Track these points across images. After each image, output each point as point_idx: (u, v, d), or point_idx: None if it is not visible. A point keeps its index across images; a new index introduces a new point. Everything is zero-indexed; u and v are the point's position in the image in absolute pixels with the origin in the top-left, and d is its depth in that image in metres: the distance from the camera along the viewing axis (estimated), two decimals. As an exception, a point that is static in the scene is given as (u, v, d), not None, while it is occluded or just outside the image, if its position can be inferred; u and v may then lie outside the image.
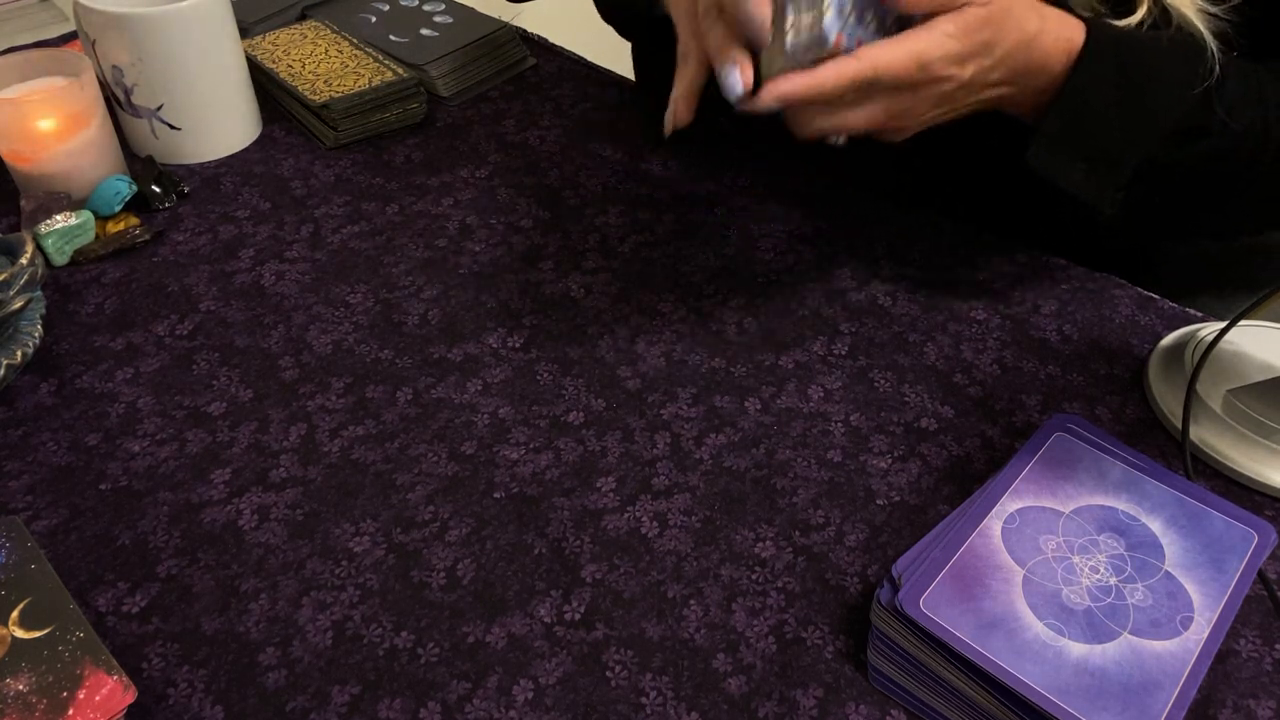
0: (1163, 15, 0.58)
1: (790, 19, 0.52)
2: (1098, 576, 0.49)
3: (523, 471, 0.59)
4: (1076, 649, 0.46)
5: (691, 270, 0.73)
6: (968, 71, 0.55)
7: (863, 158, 0.68)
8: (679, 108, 0.58)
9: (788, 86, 0.52)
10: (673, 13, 0.59)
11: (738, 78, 0.53)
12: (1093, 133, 0.58)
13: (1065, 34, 0.56)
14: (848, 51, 0.53)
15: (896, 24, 0.55)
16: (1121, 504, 0.52)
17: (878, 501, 0.58)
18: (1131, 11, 0.58)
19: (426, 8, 0.99)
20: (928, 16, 0.53)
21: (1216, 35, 0.58)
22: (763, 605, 0.53)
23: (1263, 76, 0.60)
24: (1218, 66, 0.58)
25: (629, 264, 0.74)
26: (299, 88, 0.86)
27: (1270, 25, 0.60)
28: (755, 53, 0.54)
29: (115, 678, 0.47)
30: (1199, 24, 0.58)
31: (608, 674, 0.50)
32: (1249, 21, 0.59)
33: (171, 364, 0.66)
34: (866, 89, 0.53)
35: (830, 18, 0.51)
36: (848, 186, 0.81)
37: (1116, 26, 0.58)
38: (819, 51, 0.52)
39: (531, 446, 0.61)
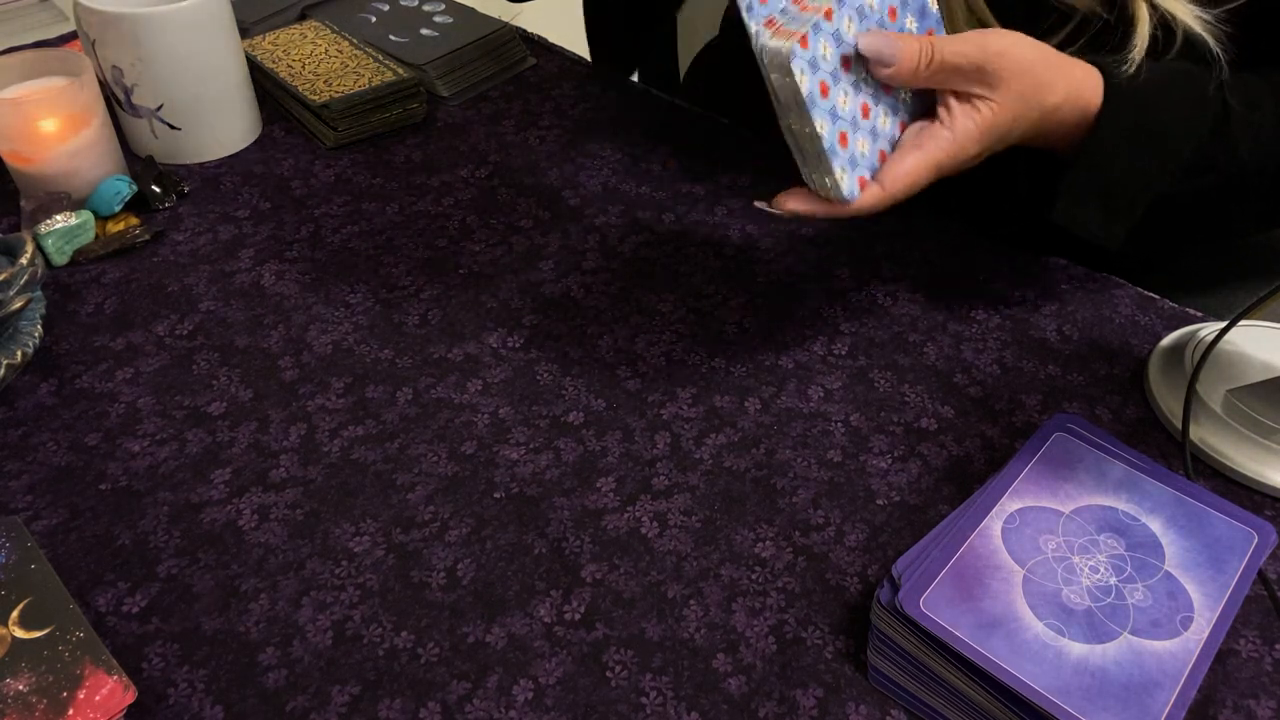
0: (1162, 22, 0.59)
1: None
2: (1098, 576, 0.49)
3: (523, 471, 0.59)
4: (1076, 649, 0.46)
5: (691, 270, 0.73)
6: (982, 157, 0.57)
7: None
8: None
9: (818, 210, 0.54)
10: None
11: None
12: (1108, 185, 0.59)
13: (1085, 98, 0.57)
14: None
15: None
16: (1121, 504, 0.52)
17: (878, 501, 0.58)
18: (1131, 15, 0.58)
19: (426, 8, 0.99)
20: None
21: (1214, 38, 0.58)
22: (763, 605, 0.52)
23: (1260, 92, 0.60)
24: (1226, 96, 0.58)
25: (629, 264, 0.74)
26: (299, 88, 0.86)
27: (1265, 31, 0.60)
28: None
29: (115, 678, 0.47)
30: (1199, 29, 0.58)
31: (608, 674, 0.50)
32: (1245, 27, 0.59)
33: (171, 364, 0.66)
34: None
35: (847, 185, 0.54)
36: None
37: (1132, 79, 0.58)
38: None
39: (531, 446, 0.61)
